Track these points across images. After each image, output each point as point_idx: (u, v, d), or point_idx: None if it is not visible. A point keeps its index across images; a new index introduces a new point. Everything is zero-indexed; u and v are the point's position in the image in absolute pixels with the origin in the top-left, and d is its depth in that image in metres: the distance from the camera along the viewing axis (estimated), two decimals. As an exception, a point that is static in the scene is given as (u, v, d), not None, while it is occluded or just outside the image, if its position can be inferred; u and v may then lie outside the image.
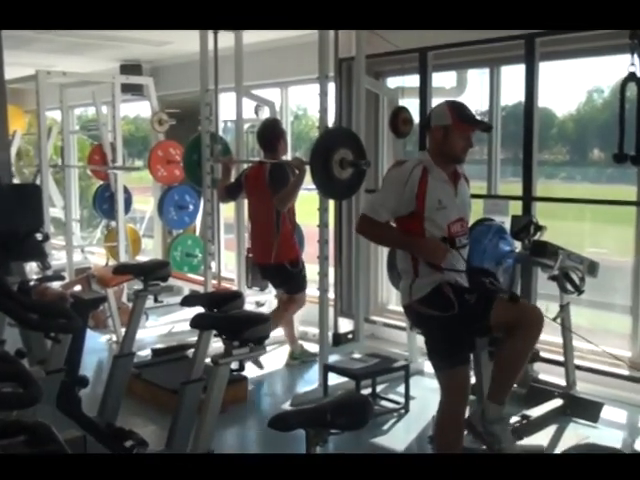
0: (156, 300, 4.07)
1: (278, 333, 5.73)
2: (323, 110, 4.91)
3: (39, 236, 5.64)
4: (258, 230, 5.50)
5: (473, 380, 3.60)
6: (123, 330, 4.39)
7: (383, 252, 6.15)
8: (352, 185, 4.94)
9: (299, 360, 5.74)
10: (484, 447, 3.60)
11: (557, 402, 4.51)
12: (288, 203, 5.23)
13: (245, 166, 5.77)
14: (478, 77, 6.05)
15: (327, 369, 4.85)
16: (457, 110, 3.38)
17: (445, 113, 3.37)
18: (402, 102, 5.55)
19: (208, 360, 3.25)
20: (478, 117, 3.53)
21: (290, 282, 5.48)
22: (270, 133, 5.43)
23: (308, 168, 4.86)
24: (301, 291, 5.54)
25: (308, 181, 5.08)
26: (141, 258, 7.61)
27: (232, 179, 5.71)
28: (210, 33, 5.80)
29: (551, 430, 4.29)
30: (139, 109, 10.84)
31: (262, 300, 6.41)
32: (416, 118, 5.49)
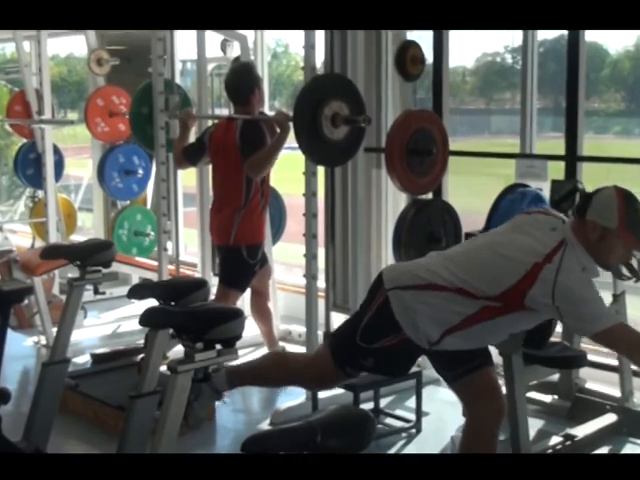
0: (97, 291, 4.07)
1: (254, 332, 5.74)
2: (309, 46, 4.87)
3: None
4: (221, 203, 5.45)
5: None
6: (54, 330, 4.38)
7: (388, 227, 6.15)
8: (347, 148, 4.92)
9: (281, 367, 5.75)
10: None
11: (610, 418, 4.54)
12: (263, 170, 5.19)
13: (210, 123, 5.73)
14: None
15: (316, 378, 4.86)
16: (628, 210, 3.22)
17: (612, 211, 3.21)
18: (410, 35, 5.52)
19: (164, 368, 3.25)
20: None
21: (235, 271, 5.41)
22: (242, 81, 5.36)
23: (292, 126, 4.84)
24: (237, 288, 5.46)
25: (291, 140, 5.07)
26: (77, 238, 7.59)
27: (192, 139, 5.66)
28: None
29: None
30: (72, 46, 10.79)
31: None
32: (429, 56, 5.47)
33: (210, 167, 5.72)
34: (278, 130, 5.06)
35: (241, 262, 5.32)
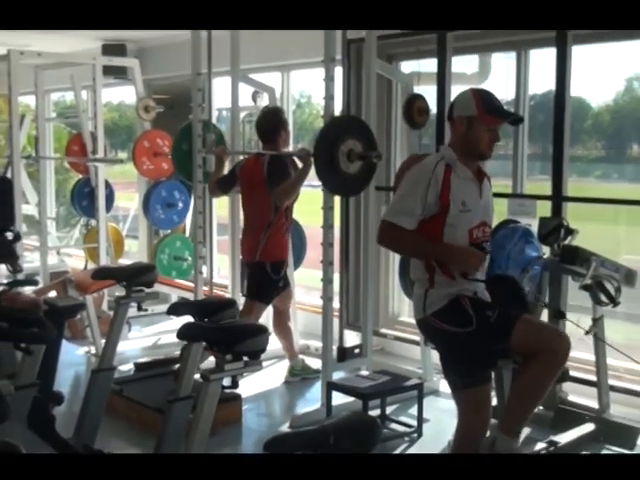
0: (140, 308, 4.08)
1: (278, 346, 5.74)
2: (329, 97, 4.91)
3: (9, 235, 5.65)
4: (250, 226, 5.53)
5: (494, 401, 3.62)
6: (103, 341, 4.40)
7: (395, 256, 6.15)
8: (361, 180, 4.96)
9: (299, 377, 5.74)
10: None
11: (588, 427, 4.50)
12: (288, 198, 5.26)
13: (241, 157, 5.79)
14: (503, 62, 6.06)
15: (331, 387, 4.85)
16: (483, 99, 3.40)
17: (469, 103, 3.39)
18: (417, 89, 5.55)
19: (197, 376, 3.26)
20: (506, 108, 3.54)
21: (260, 286, 5.43)
22: (270, 123, 5.46)
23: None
24: (261, 300, 5.46)
25: (311, 177, 5.10)
26: (124, 261, 7.62)
27: (225, 172, 5.74)
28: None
29: (581, 458, 4.28)
30: (123, 94, 10.90)
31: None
32: (433, 107, 5.49)
33: (240, 197, 5.74)
34: (300, 164, 5.14)
35: (265, 277, 5.36)
